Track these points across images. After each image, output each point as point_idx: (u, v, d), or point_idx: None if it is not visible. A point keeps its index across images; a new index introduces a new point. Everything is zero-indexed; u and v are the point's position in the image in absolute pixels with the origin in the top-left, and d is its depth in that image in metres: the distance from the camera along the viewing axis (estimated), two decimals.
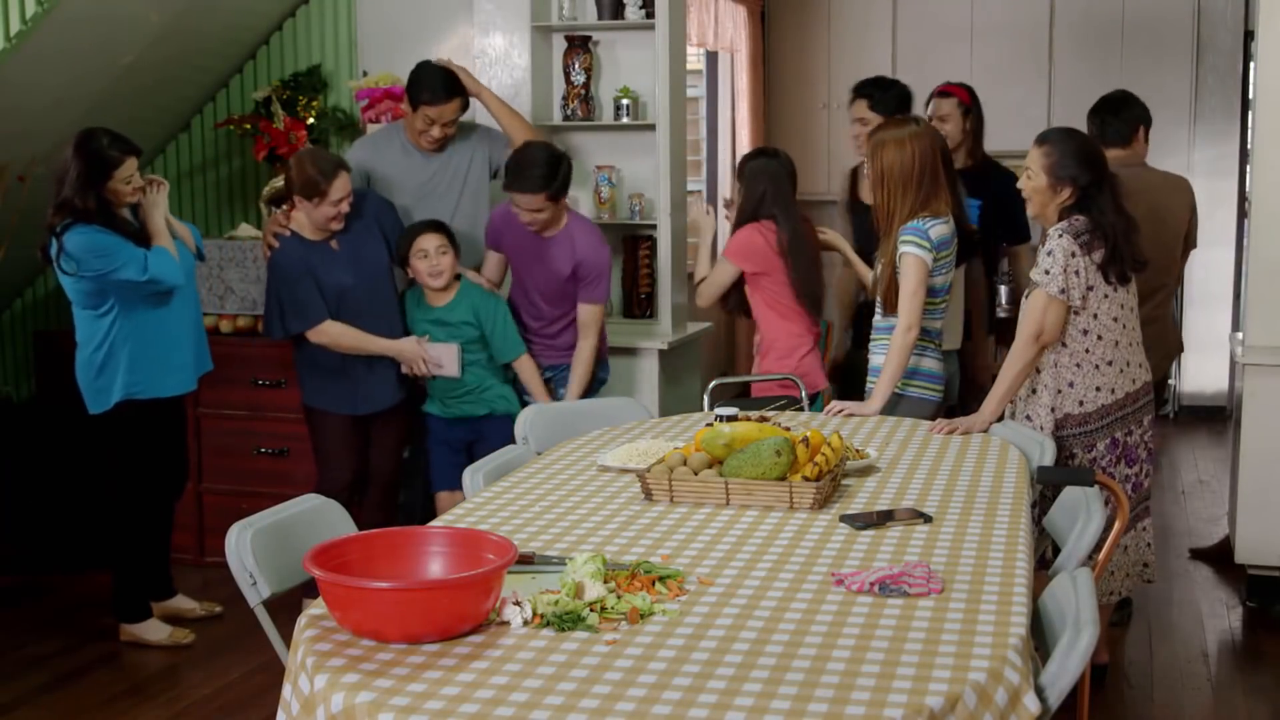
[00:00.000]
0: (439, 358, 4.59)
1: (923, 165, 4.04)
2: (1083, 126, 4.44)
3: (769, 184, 4.65)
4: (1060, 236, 3.68)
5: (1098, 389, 3.77)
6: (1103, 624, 3.66)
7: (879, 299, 4.20)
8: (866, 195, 4.68)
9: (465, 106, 4.83)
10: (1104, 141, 4.60)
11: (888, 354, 4.04)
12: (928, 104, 5.12)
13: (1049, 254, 3.68)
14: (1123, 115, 4.80)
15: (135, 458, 4.45)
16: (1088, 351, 3.75)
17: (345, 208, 4.44)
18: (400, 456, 4.89)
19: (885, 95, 4.92)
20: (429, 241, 4.53)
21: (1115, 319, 3.76)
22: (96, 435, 4.44)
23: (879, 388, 4.02)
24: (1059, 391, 3.78)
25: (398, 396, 4.70)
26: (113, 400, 4.33)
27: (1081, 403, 3.78)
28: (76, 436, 5.21)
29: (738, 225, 4.72)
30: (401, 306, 4.69)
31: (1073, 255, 3.66)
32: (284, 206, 4.65)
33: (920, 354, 4.15)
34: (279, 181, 5.33)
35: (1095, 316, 3.73)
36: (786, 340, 4.70)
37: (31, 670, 4.33)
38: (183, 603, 4.74)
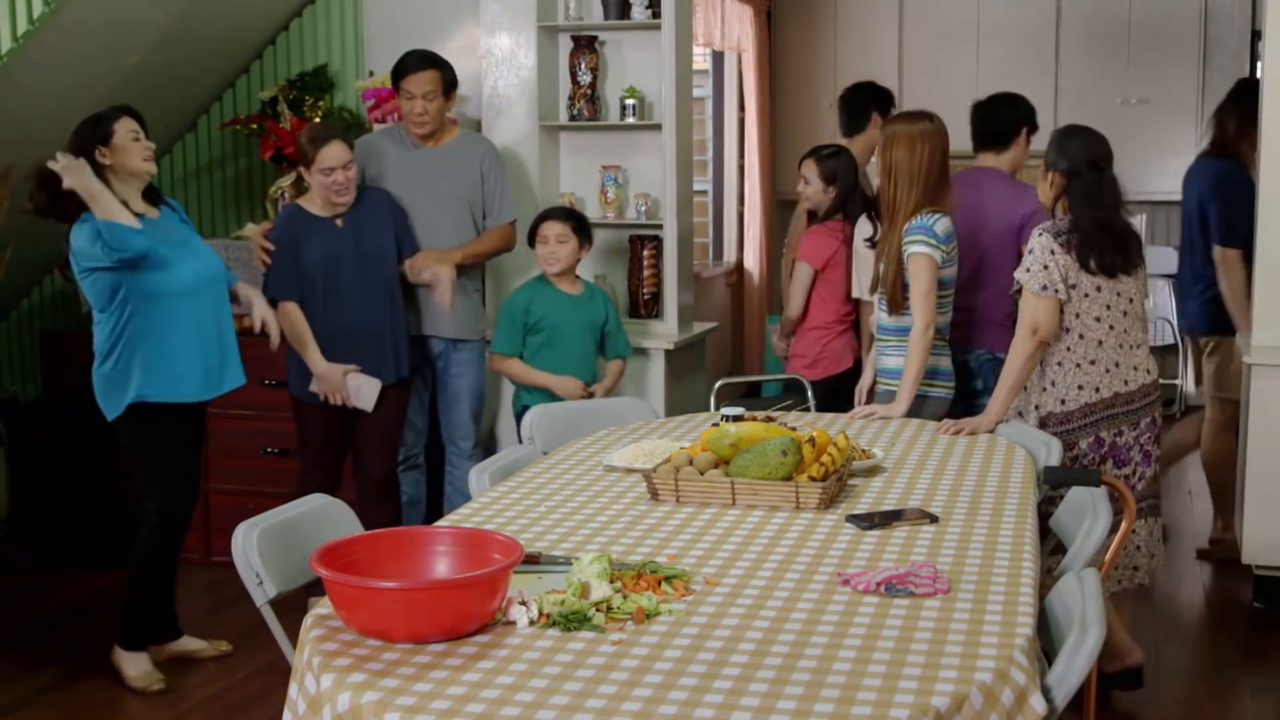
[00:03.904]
0: (359, 390, 4.53)
1: (931, 164, 4.08)
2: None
3: (850, 183, 4.88)
4: (1040, 235, 3.77)
5: (1080, 387, 3.79)
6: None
7: (882, 297, 4.19)
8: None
9: (449, 85, 4.83)
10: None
11: (908, 355, 4.05)
12: None
13: (1030, 252, 3.78)
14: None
15: (152, 463, 4.18)
16: (1069, 350, 3.80)
17: (340, 178, 4.43)
18: (394, 456, 4.83)
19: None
20: (551, 229, 4.68)
21: (1098, 319, 3.78)
22: (115, 442, 4.22)
23: (904, 388, 4.03)
24: (1044, 390, 3.84)
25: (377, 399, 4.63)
26: (125, 403, 4.09)
27: (1063, 401, 3.81)
28: (83, 436, 5.23)
29: (824, 219, 4.89)
30: (403, 299, 4.68)
31: (1051, 253, 3.73)
32: (266, 223, 4.70)
33: (937, 354, 4.16)
34: (285, 181, 5.33)
35: (1077, 315, 3.78)
36: (825, 323, 4.93)
37: (35, 670, 4.34)
38: (189, 643, 4.42)
